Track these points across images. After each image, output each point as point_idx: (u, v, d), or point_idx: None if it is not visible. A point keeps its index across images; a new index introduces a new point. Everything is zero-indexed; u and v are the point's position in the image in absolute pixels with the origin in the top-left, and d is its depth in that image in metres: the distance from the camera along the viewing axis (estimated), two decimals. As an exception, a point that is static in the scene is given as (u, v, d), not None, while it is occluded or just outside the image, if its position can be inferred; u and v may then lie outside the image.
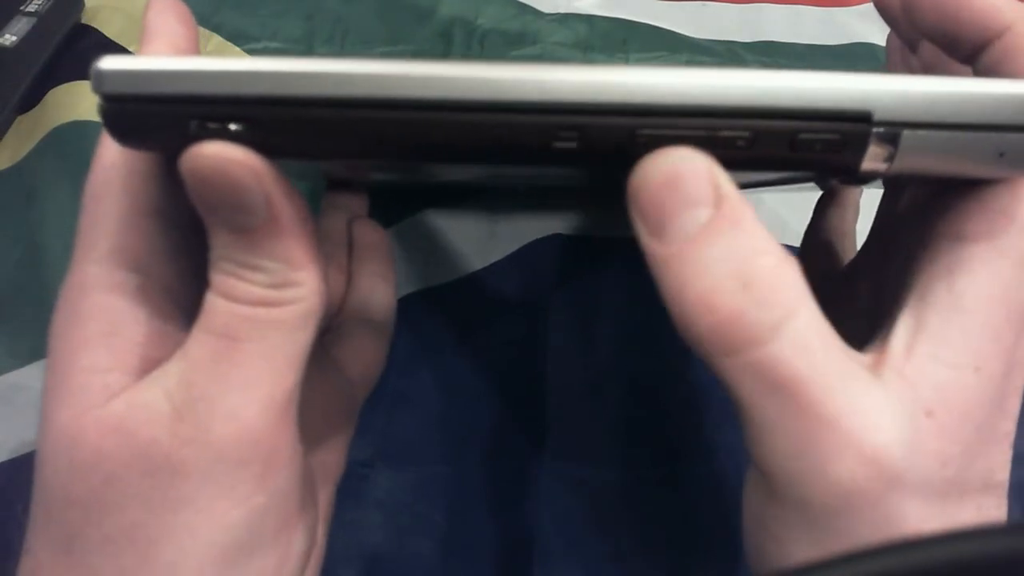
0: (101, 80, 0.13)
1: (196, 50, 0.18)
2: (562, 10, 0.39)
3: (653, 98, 0.13)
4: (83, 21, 0.37)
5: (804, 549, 0.14)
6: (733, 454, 0.27)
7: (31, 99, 0.34)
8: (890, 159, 0.13)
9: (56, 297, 0.16)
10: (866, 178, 0.15)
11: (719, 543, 0.26)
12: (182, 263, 0.17)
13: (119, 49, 0.36)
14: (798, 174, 0.17)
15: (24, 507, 0.16)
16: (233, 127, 0.13)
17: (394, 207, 0.30)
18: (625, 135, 0.13)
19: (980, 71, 0.15)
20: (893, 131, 0.13)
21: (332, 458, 0.22)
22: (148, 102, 0.13)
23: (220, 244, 0.15)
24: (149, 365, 0.16)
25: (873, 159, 0.13)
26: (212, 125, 0.13)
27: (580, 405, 0.28)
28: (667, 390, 0.28)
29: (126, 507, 0.14)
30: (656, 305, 0.14)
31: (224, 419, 0.15)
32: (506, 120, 0.13)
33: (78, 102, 0.33)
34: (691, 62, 0.38)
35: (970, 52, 0.15)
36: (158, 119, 0.13)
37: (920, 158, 0.13)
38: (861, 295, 0.20)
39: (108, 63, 0.13)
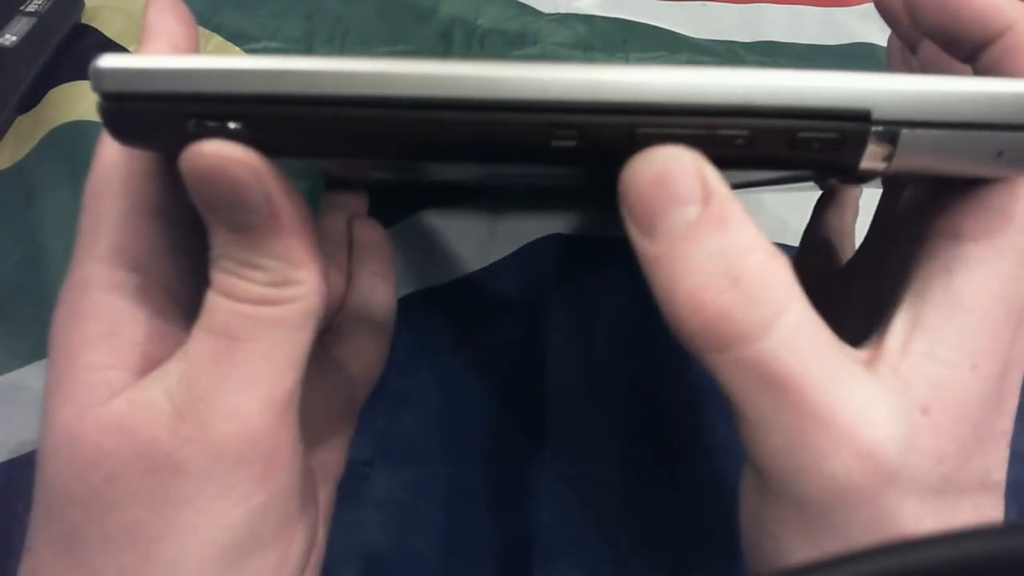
0: (100, 78, 0.13)
1: (196, 50, 0.18)
2: (562, 10, 0.39)
3: (652, 97, 0.13)
4: (83, 21, 0.37)
5: (800, 546, 0.14)
6: (733, 454, 0.27)
7: (31, 99, 0.34)
8: (889, 158, 0.13)
9: (56, 297, 0.16)
10: (865, 177, 0.15)
11: (719, 543, 0.26)
12: (182, 262, 0.17)
13: (119, 49, 0.36)
14: (797, 173, 0.17)
15: (25, 506, 0.16)
16: (232, 125, 0.13)
17: (394, 207, 0.31)
18: (624, 134, 0.13)
19: (980, 70, 0.15)
20: (892, 130, 0.13)
21: (332, 458, 0.22)
22: (147, 100, 0.13)
23: (220, 243, 0.15)
24: (150, 364, 0.16)
25: (872, 158, 0.13)
26: (211, 123, 0.13)
27: (580, 405, 0.28)
28: (667, 390, 0.28)
29: (127, 505, 0.14)
30: (656, 305, 0.14)
31: (224, 418, 0.15)
32: (505, 119, 0.13)
33: (78, 102, 0.33)
34: (691, 62, 0.38)
35: (970, 51, 0.15)
36: (157, 117, 0.13)
37: (919, 157, 0.13)
38: (859, 294, 0.20)
39: (107, 61, 0.13)
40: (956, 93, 0.13)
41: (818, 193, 0.25)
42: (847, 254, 0.24)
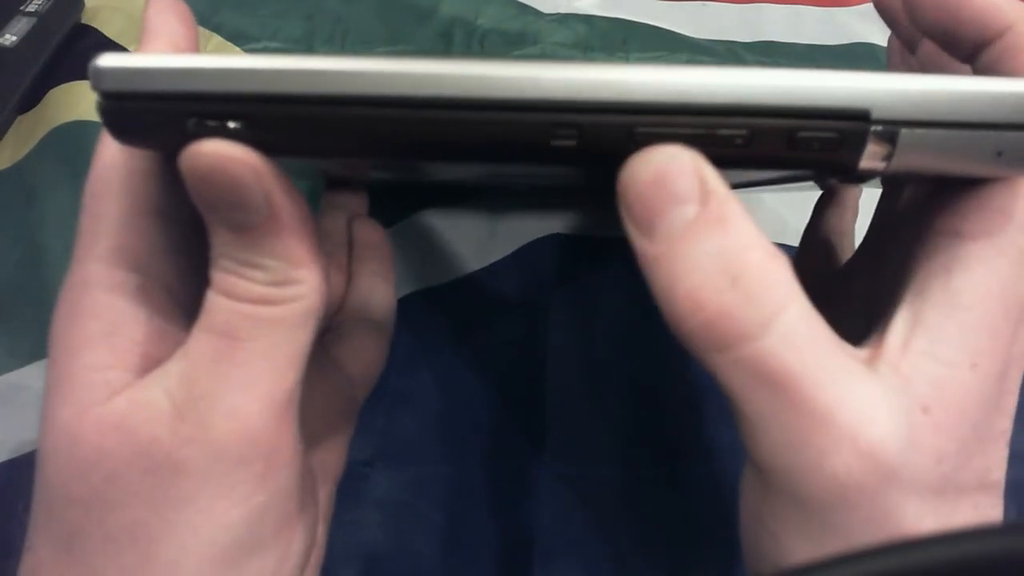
0: (100, 77, 0.13)
1: (196, 49, 0.18)
2: (562, 10, 0.39)
3: (651, 96, 0.13)
4: (83, 21, 0.37)
5: (801, 545, 0.14)
6: (733, 454, 0.27)
7: (31, 99, 0.34)
8: (888, 157, 0.13)
9: (56, 297, 0.16)
10: (864, 176, 0.15)
11: (719, 543, 0.26)
12: (182, 262, 0.17)
13: (119, 49, 0.36)
14: (797, 173, 0.17)
15: (25, 506, 0.16)
16: (232, 125, 0.13)
17: (394, 207, 0.31)
18: (623, 133, 0.13)
19: (980, 70, 0.15)
20: (891, 129, 0.13)
21: (332, 457, 0.22)
22: (147, 99, 0.13)
23: (220, 242, 0.15)
24: (150, 364, 0.16)
25: (871, 157, 0.13)
26: (211, 123, 0.13)
27: (580, 405, 0.28)
28: (667, 390, 0.28)
29: (127, 505, 0.14)
30: (656, 305, 0.14)
31: (225, 418, 0.15)
32: (504, 118, 0.13)
33: (78, 102, 0.33)
34: (691, 62, 0.38)
35: (970, 51, 0.15)
36: (157, 117, 0.13)
37: (918, 156, 0.13)
38: (858, 294, 0.20)
39: (107, 60, 0.13)
40: (955, 93, 0.13)
41: (818, 193, 0.25)
42: (847, 254, 0.24)
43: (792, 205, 0.31)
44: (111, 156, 0.16)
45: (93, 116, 0.30)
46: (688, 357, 0.14)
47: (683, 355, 0.14)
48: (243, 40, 0.37)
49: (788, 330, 0.13)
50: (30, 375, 0.27)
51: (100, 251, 0.16)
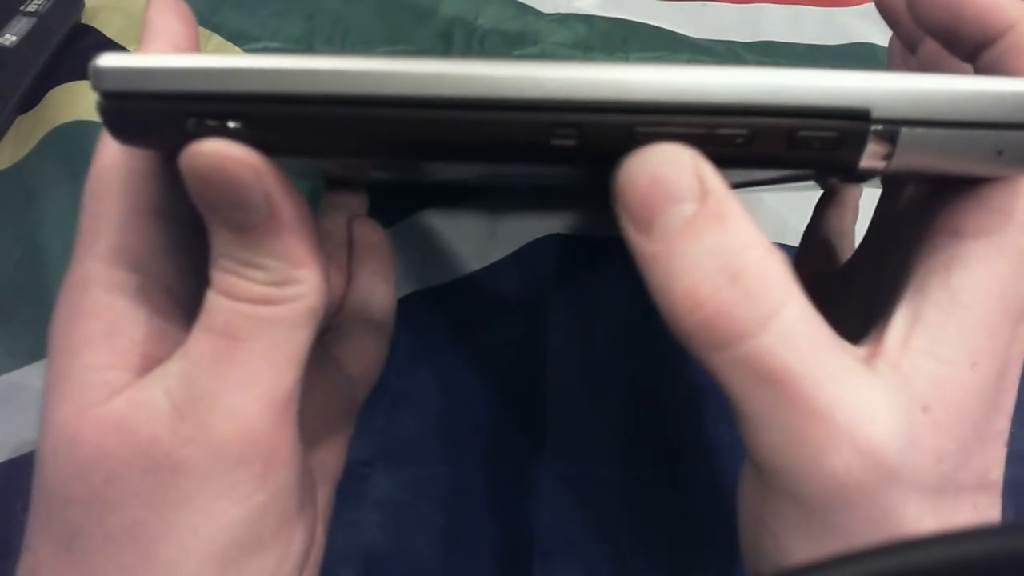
0: (100, 77, 0.13)
1: (196, 49, 0.18)
2: (562, 10, 0.39)
3: (651, 96, 0.13)
4: (83, 21, 0.37)
5: (801, 545, 0.14)
6: (733, 454, 0.27)
7: (31, 99, 0.34)
8: (888, 157, 0.13)
9: (56, 297, 0.16)
10: (865, 176, 0.15)
11: (719, 543, 0.26)
12: (182, 262, 0.17)
13: (119, 49, 0.36)
14: (797, 173, 0.17)
15: (24, 506, 0.16)
16: (232, 124, 0.13)
17: (394, 207, 0.31)
18: (623, 133, 0.13)
19: (981, 69, 0.15)
20: (891, 129, 0.13)
21: (332, 457, 0.22)
22: (147, 99, 0.13)
23: (220, 242, 0.15)
24: (150, 363, 0.16)
25: (871, 157, 0.13)
26: (211, 123, 0.13)
27: (580, 405, 0.28)
28: (667, 390, 0.28)
29: (127, 505, 0.14)
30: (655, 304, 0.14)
31: (224, 418, 0.15)
32: (504, 118, 0.13)
33: (78, 102, 0.33)
34: (691, 62, 0.38)
35: (972, 50, 0.15)
36: (157, 116, 0.13)
37: (918, 156, 0.13)
38: (858, 294, 0.20)
39: (107, 60, 0.13)
40: (956, 92, 0.13)
41: (818, 193, 0.25)
42: (847, 254, 0.24)
43: (792, 205, 0.31)
44: (111, 156, 0.16)
45: (93, 116, 0.30)
46: (688, 357, 0.14)
47: (683, 355, 0.14)
48: (243, 40, 0.37)
49: (786, 328, 0.13)
50: (30, 375, 0.27)
51: (100, 251, 0.16)
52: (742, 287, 0.13)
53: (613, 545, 0.26)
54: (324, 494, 0.21)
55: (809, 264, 0.24)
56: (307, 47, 0.37)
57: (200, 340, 0.15)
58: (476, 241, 0.31)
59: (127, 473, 0.14)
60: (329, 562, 0.20)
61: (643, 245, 0.13)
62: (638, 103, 0.13)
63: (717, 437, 0.27)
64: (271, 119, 0.13)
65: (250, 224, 0.14)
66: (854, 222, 0.25)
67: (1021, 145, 0.13)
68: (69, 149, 0.32)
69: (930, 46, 0.18)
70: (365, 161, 0.19)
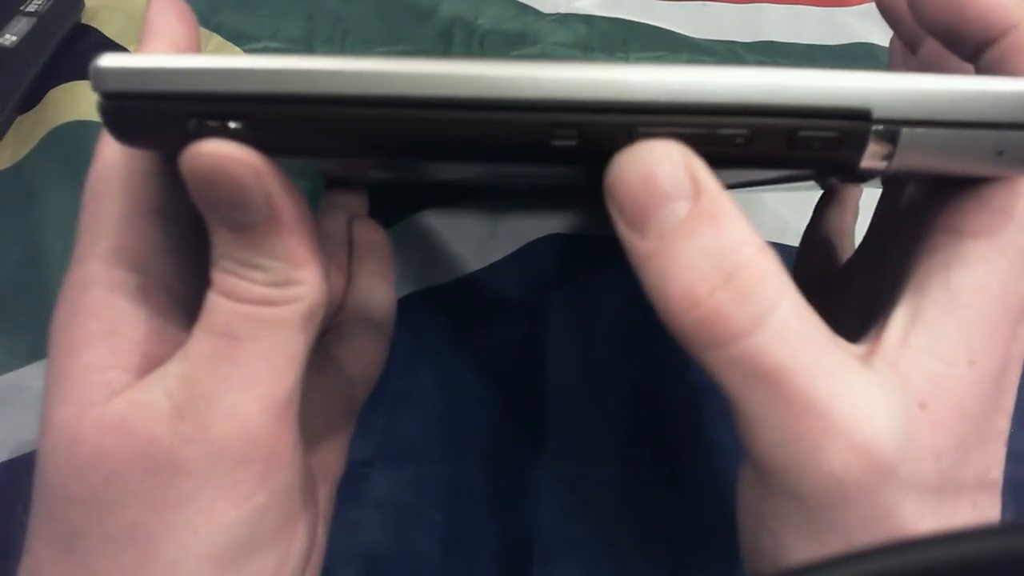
0: (100, 77, 0.13)
1: (197, 49, 0.18)
2: (562, 10, 0.39)
3: (651, 96, 0.13)
4: (83, 21, 0.37)
5: (800, 543, 0.14)
6: (733, 454, 0.26)
7: (31, 99, 0.34)
8: (889, 157, 0.13)
9: (56, 297, 0.16)
10: (865, 176, 0.15)
11: (719, 543, 0.26)
12: (182, 262, 0.17)
13: (119, 49, 0.36)
14: (798, 173, 0.17)
15: (24, 506, 0.16)
16: (232, 125, 0.13)
17: (394, 207, 0.31)
18: (623, 133, 0.13)
19: (982, 69, 0.15)
20: (892, 129, 0.13)
21: (332, 457, 0.22)
22: (147, 100, 0.13)
23: (221, 243, 0.15)
24: (150, 364, 0.16)
25: (872, 157, 0.13)
26: (211, 123, 0.13)
27: (580, 405, 0.28)
28: (667, 390, 0.28)
29: (127, 505, 0.14)
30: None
31: (224, 418, 0.15)
32: (505, 118, 0.13)
33: (78, 102, 0.33)
34: (691, 62, 0.38)
35: (973, 49, 0.15)
36: (157, 117, 0.13)
37: (919, 156, 0.13)
38: (858, 293, 0.20)
39: (107, 60, 0.13)
40: (957, 92, 0.13)
41: (818, 193, 0.25)
42: (847, 254, 0.24)
43: (792, 205, 0.31)
44: (111, 156, 0.16)
45: (93, 116, 0.30)
46: (688, 357, 0.14)
47: (683, 355, 0.14)
48: (243, 40, 0.37)
49: (781, 326, 0.13)
50: (30, 375, 0.27)
51: (100, 251, 0.16)
52: (737, 286, 0.13)
53: (613, 545, 0.26)
54: (325, 494, 0.21)
55: (809, 264, 0.24)
56: (307, 47, 0.37)
57: (200, 340, 0.15)
58: (476, 241, 0.31)
59: (127, 473, 0.14)
60: (329, 562, 0.20)
61: (637, 244, 0.13)
62: (638, 103, 0.13)
63: (717, 437, 0.27)
64: (271, 119, 0.13)
65: (250, 224, 0.14)
66: (854, 222, 0.25)
67: (1022, 145, 0.13)
68: (69, 149, 0.32)
69: (931, 46, 0.18)
70: (365, 161, 0.19)
